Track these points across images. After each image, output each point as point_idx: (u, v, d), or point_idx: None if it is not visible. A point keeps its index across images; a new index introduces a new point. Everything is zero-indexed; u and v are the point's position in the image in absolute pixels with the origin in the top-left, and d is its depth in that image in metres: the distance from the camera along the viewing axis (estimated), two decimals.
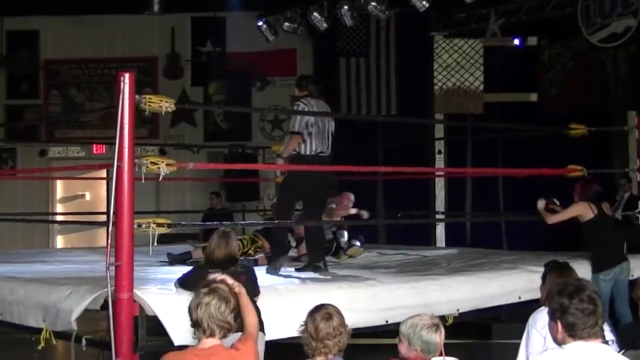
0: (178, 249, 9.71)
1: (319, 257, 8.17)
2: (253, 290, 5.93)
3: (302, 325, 4.43)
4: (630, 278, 8.39)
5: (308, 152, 8.05)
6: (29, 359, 7.93)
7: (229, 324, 4.19)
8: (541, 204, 8.87)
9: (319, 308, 4.46)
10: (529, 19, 13.60)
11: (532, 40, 14.26)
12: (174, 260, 9.05)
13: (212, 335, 4.16)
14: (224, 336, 4.20)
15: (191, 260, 9.12)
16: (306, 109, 8.04)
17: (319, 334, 4.31)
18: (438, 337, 4.28)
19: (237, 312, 4.36)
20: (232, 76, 16.89)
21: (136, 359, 5.68)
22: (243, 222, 13.34)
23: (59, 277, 7.17)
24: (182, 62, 17.00)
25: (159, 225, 5.87)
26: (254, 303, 5.75)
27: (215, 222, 11.41)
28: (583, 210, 8.61)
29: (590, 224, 8.61)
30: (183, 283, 6.10)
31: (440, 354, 4.30)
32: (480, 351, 9.49)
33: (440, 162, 14.71)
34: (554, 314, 3.54)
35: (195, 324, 4.20)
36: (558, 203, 8.92)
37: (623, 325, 5.57)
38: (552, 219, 8.75)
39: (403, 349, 4.33)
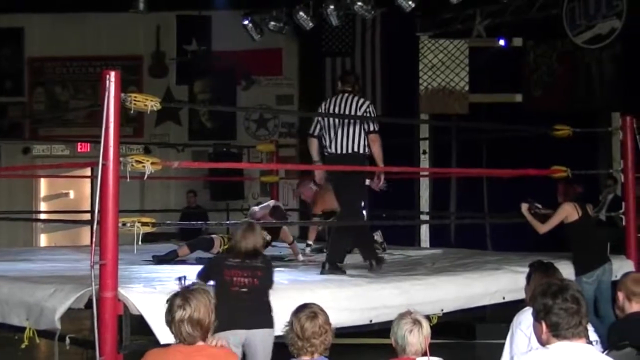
0: (162, 249, 9.67)
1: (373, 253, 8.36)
2: (270, 285, 6.17)
3: (286, 325, 4.42)
4: (614, 279, 8.39)
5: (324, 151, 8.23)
6: (12, 358, 7.89)
7: (205, 333, 4.12)
8: (524, 207, 8.86)
9: (303, 307, 4.45)
10: (515, 20, 13.62)
11: (518, 41, 14.30)
12: (160, 261, 8.97)
13: (190, 343, 4.12)
14: (203, 340, 4.14)
15: (177, 259, 9.12)
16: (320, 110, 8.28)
17: (304, 333, 4.29)
18: (416, 337, 4.30)
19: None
20: (217, 75, 16.85)
21: (120, 358, 5.66)
22: (227, 222, 13.32)
23: (43, 276, 7.14)
24: (167, 61, 16.97)
25: (144, 224, 5.87)
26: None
27: (195, 222, 11.56)
28: (570, 212, 8.62)
29: (574, 225, 8.61)
30: (203, 276, 6.13)
31: (425, 354, 4.31)
32: (464, 351, 9.49)
33: (425, 162, 14.72)
34: (538, 314, 3.55)
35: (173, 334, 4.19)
36: (540, 206, 8.92)
37: (609, 326, 5.57)
38: (544, 229, 8.71)
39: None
